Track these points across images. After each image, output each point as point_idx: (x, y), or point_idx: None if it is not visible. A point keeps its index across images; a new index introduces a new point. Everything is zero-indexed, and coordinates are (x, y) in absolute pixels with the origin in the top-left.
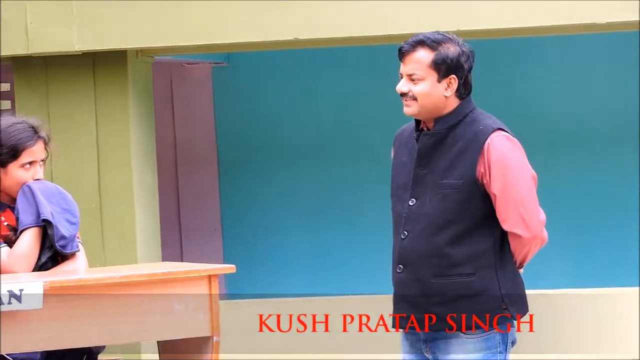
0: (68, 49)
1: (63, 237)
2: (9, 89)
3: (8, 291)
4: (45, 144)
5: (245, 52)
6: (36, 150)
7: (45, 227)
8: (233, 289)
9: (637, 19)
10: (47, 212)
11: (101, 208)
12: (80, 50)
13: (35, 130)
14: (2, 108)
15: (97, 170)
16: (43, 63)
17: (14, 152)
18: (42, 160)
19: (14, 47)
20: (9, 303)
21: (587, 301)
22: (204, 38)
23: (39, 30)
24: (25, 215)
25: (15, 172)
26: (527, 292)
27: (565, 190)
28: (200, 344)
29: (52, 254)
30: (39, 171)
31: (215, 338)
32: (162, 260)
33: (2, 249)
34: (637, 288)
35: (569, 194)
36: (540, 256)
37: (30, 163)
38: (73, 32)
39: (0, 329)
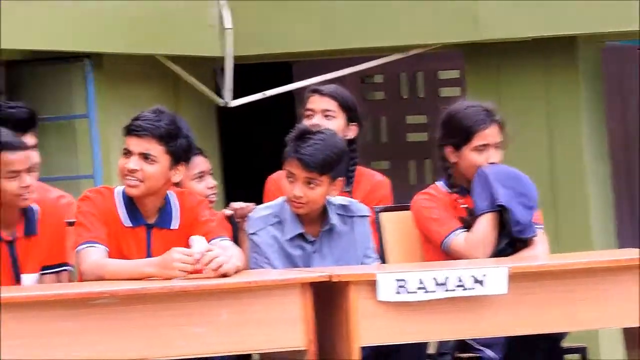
0: (519, 35)
1: (519, 222)
2: (458, 76)
3: (472, 276)
4: (500, 128)
5: None
6: (489, 134)
7: (502, 212)
8: None
9: None
10: (501, 197)
11: (554, 194)
12: (531, 37)
13: (489, 114)
14: (452, 95)
15: (549, 156)
16: (494, 50)
17: (467, 135)
18: (497, 144)
19: (464, 35)
20: (473, 288)
21: None
22: None
23: (490, 18)
24: (481, 200)
25: (469, 155)
26: None
27: None
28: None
29: (510, 239)
30: (493, 154)
31: None
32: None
33: (461, 234)
34: None
35: None
36: None
37: (484, 146)
38: (523, 18)
39: (465, 313)
